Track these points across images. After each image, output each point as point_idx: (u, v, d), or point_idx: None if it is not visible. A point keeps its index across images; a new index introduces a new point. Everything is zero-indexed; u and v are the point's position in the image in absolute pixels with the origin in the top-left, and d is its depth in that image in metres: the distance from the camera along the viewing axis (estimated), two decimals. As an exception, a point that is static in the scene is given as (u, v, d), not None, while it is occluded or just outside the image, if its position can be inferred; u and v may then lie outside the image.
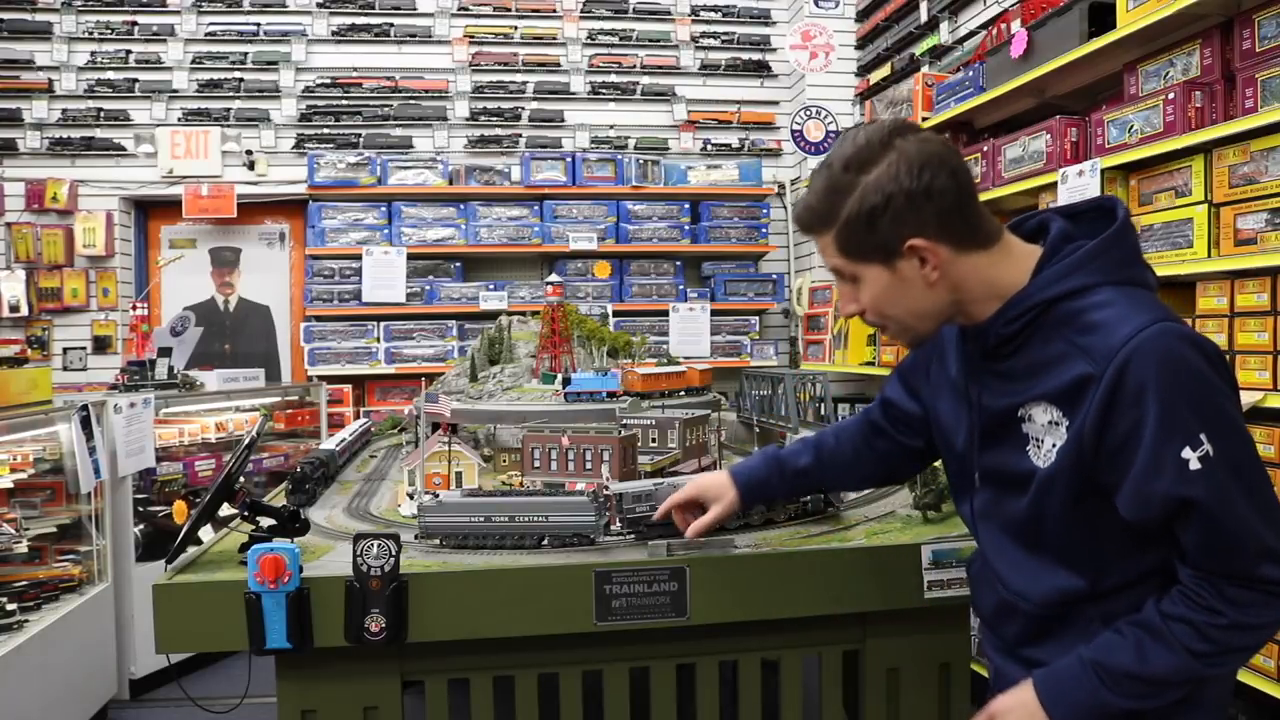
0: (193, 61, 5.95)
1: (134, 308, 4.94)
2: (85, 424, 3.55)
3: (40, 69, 5.83)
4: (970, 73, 3.99)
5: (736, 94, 6.42)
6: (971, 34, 4.58)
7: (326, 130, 6.02)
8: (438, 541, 1.94)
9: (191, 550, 1.93)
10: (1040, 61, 3.41)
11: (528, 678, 1.89)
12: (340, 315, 5.84)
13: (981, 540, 1.49)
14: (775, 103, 6.44)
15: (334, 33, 6.09)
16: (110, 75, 5.88)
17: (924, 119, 4.31)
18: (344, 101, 6.07)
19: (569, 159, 5.97)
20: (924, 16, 5.00)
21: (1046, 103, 3.74)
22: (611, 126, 6.28)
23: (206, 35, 5.98)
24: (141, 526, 4.07)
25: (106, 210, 5.84)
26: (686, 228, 6.06)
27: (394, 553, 1.71)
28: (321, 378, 5.72)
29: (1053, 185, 3.22)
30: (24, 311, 5.71)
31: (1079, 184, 3.07)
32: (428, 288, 5.87)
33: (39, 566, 3.61)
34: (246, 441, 2.17)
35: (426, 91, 6.13)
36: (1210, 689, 1.31)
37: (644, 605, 1.79)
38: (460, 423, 2.97)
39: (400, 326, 5.86)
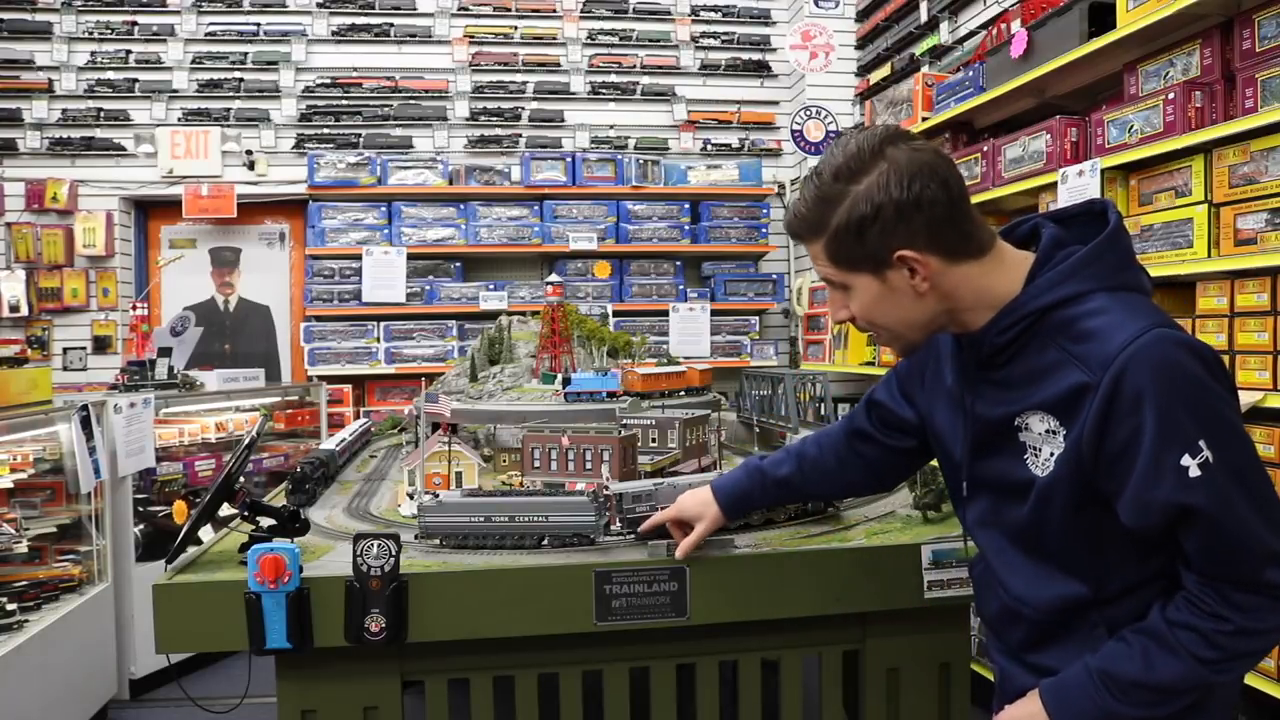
0: (193, 61, 5.96)
1: (134, 308, 4.94)
2: (85, 424, 3.55)
3: (40, 69, 5.83)
4: (970, 73, 3.99)
5: (736, 94, 6.42)
6: (971, 34, 4.59)
7: (326, 130, 6.02)
8: (438, 541, 1.94)
9: (191, 550, 1.93)
10: (1040, 61, 3.41)
11: (528, 678, 1.89)
12: (340, 315, 5.84)
13: (983, 546, 1.48)
14: (775, 103, 6.44)
15: (334, 33, 6.09)
16: (110, 75, 5.88)
17: (924, 119, 4.31)
18: (344, 101, 6.07)
19: (569, 159, 5.97)
20: (924, 16, 5.00)
21: (1046, 103, 3.74)
22: (611, 126, 6.28)
23: (206, 35, 5.98)
24: (141, 526, 4.07)
25: (106, 210, 5.84)
26: (686, 228, 6.06)
27: (394, 553, 1.71)
28: (321, 378, 5.72)
29: (1053, 185, 3.22)
30: (24, 311, 5.72)
31: (1079, 184, 3.07)
32: (428, 288, 5.87)
33: (39, 566, 3.61)
34: (246, 441, 2.17)
35: (426, 91, 6.13)
36: (1217, 693, 1.30)
37: (644, 605, 1.79)
38: (460, 423, 2.97)
39: (400, 326, 5.86)
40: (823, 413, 2.99)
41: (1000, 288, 1.31)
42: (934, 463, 1.67)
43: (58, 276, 5.79)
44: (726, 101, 6.40)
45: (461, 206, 5.94)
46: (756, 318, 6.22)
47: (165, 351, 4.62)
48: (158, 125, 5.91)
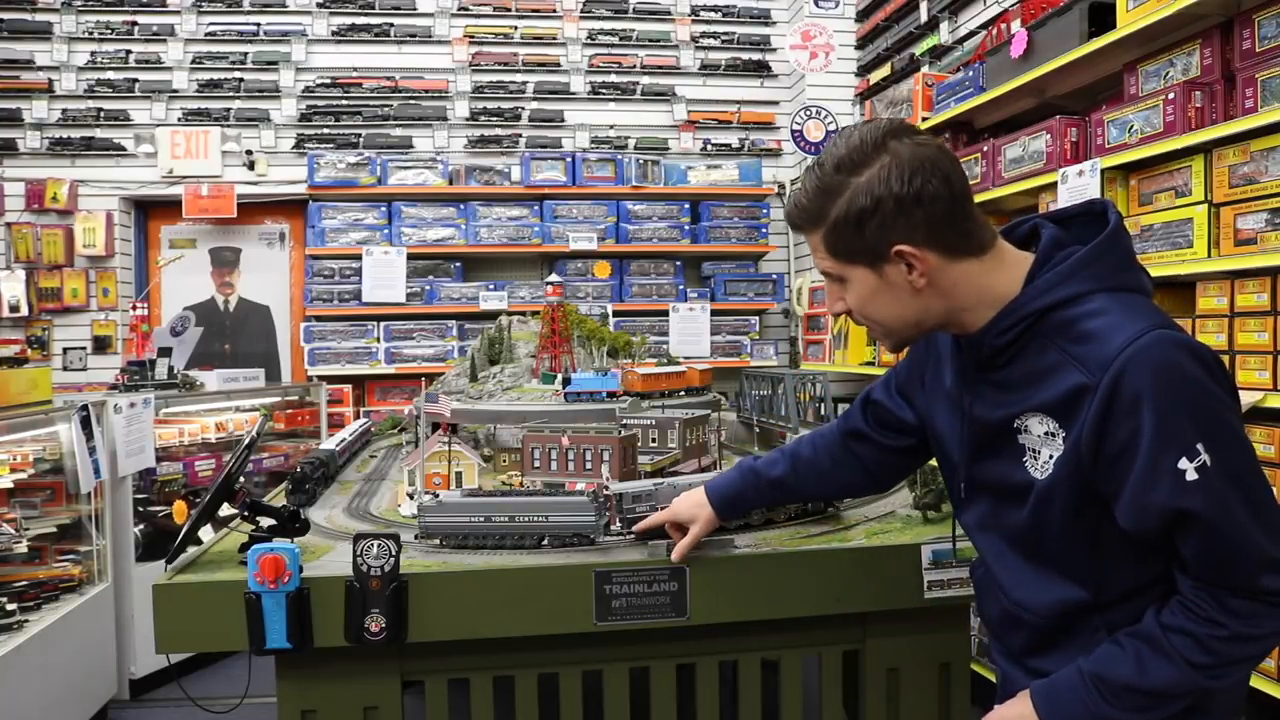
0: (193, 61, 5.96)
1: (134, 308, 4.94)
2: (85, 424, 3.55)
3: (40, 69, 5.83)
4: (970, 73, 3.99)
5: (736, 94, 6.42)
6: (971, 34, 4.59)
7: (326, 130, 6.02)
8: (438, 541, 1.94)
9: (191, 550, 1.93)
10: (1040, 61, 3.41)
11: (528, 678, 1.89)
12: (340, 315, 5.84)
13: (982, 550, 1.47)
14: (775, 103, 6.44)
15: (334, 33, 6.09)
16: (110, 75, 5.88)
17: (924, 119, 4.31)
18: (344, 101, 6.07)
19: (569, 159, 5.97)
20: (924, 16, 5.00)
21: (1046, 103, 3.74)
22: (611, 126, 6.28)
23: (206, 35, 5.98)
24: (141, 526, 4.07)
25: (106, 210, 5.84)
26: (686, 228, 6.06)
27: (394, 553, 1.71)
28: (321, 378, 5.72)
29: (1053, 185, 3.22)
30: (24, 311, 5.72)
31: (1079, 184, 3.07)
32: (428, 288, 5.87)
33: (39, 566, 3.61)
34: (246, 441, 2.17)
35: (426, 91, 6.13)
36: (1219, 697, 1.28)
37: (644, 605, 1.79)
38: (460, 423, 2.97)
39: (400, 326, 5.86)
40: (823, 413, 2.99)
41: (1000, 287, 1.30)
42: (933, 462, 1.66)
43: (58, 276, 5.79)
44: (726, 101, 6.40)
45: (461, 206, 5.94)
46: (756, 318, 6.22)
47: (165, 351, 4.62)
48: (158, 125, 5.91)
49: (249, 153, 5.96)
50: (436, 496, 2.05)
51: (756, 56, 6.44)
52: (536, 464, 2.38)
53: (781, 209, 6.38)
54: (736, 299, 6.17)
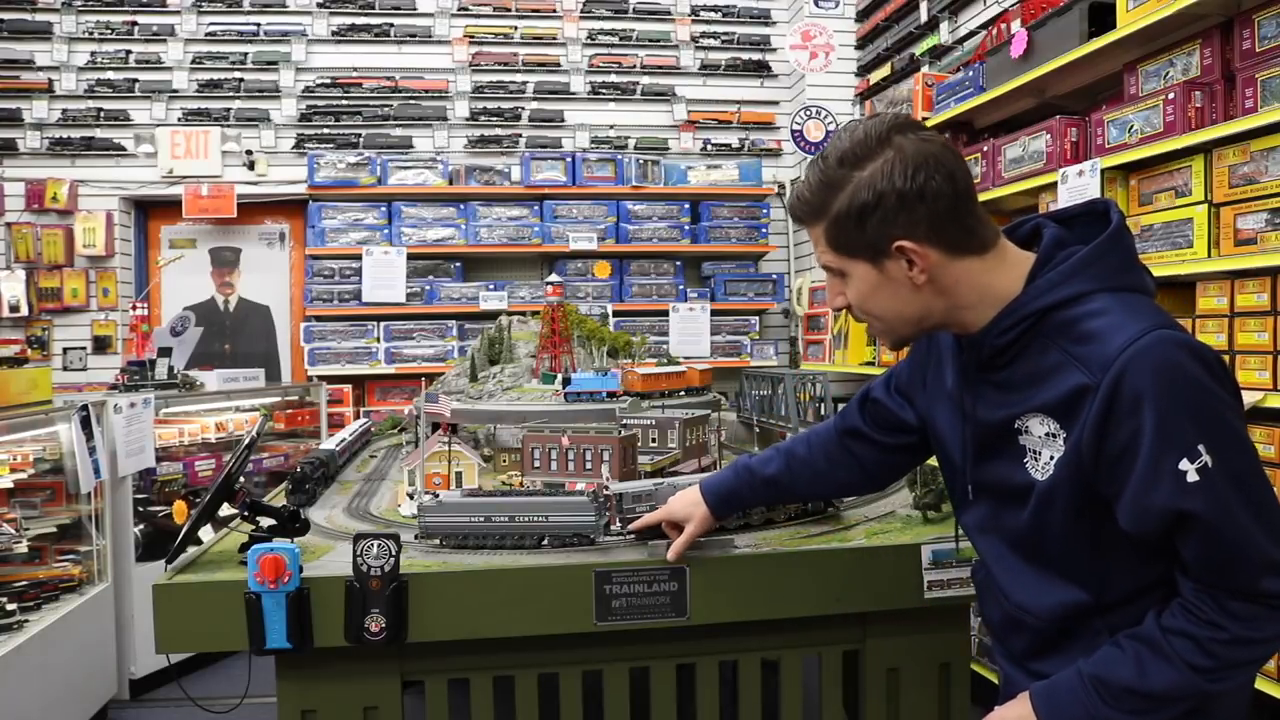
0: (193, 61, 5.96)
1: (134, 308, 4.94)
2: (85, 424, 3.55)
3: (40, 69, 5.83)
4: (970, 73, 3.99)
5: (736, 94, 6.42)
6: (971, 34, 4.59)
7: (326, 130, 6.02)
8: (438, 541, 1.94)
9: (191, 550, 1.93)
10: (1040, 61, 3.41)
11: (528, 678, 1.89)
12: (340, 315, 5.84)
13: (983, 552, 1.46)
14: (775, 103, 6.44)
15: (334, 33, 6.09)
16: (110, 75, 5.88)
17: (924, 119, 4.31)
18: (344, 101, 6.07)
19: (569, 159, 5.97)
20: (924, 16, 5.00)
21: (1046, 103, 3.74)
22: (611, 126, 6.28)
23: (206, 35, 5.98)
24: (141, 526, 4.07)
25: (106, 210, 5.84)
26: (686, 228, 6.06)
27: (394, 553, 1.71)
28: (321, 378, 5.72)
29: (1053, 185, 3.22)
30: (24, 311, 5.72)
31: (1079, 184, 3.07)
32: (428, 288, 5.87)
33: (39, 566, 3.61)
34: (246, 441, 2.17)
35: (426, 91, 6.13)
36: (1224, 700, 1.28)
37: (644, 605, 1.79)
38: (460, 423, 2.97)
39: (400, 326, 5.86)
40: (823, 413, 2.99)
41: (1001, 286, 1.29)
42: (933, 462, 1.66)
43: (58, 276, 5.79)
44: (726, 101, 6.40)
45: (461, 206, 5.94)
46: (756, 318, 6.22)
47: (165, 351, 4.62)
48: (158, 125, 5.91)
49: (249, 153, 5.96)
50: (436, 496, 2.05)
51: (756, 56, 6.44)
52: (536, 464, 2.39)
53: (782, 209, 6.38)
54: (736, 299, 6.17)
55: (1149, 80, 3.00)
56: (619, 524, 1.98)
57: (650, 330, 5.83)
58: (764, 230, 6.16)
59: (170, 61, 5.93)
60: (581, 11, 6.29)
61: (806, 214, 1.33)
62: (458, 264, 6.03)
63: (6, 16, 5.81)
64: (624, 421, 2.59)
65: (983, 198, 3.64)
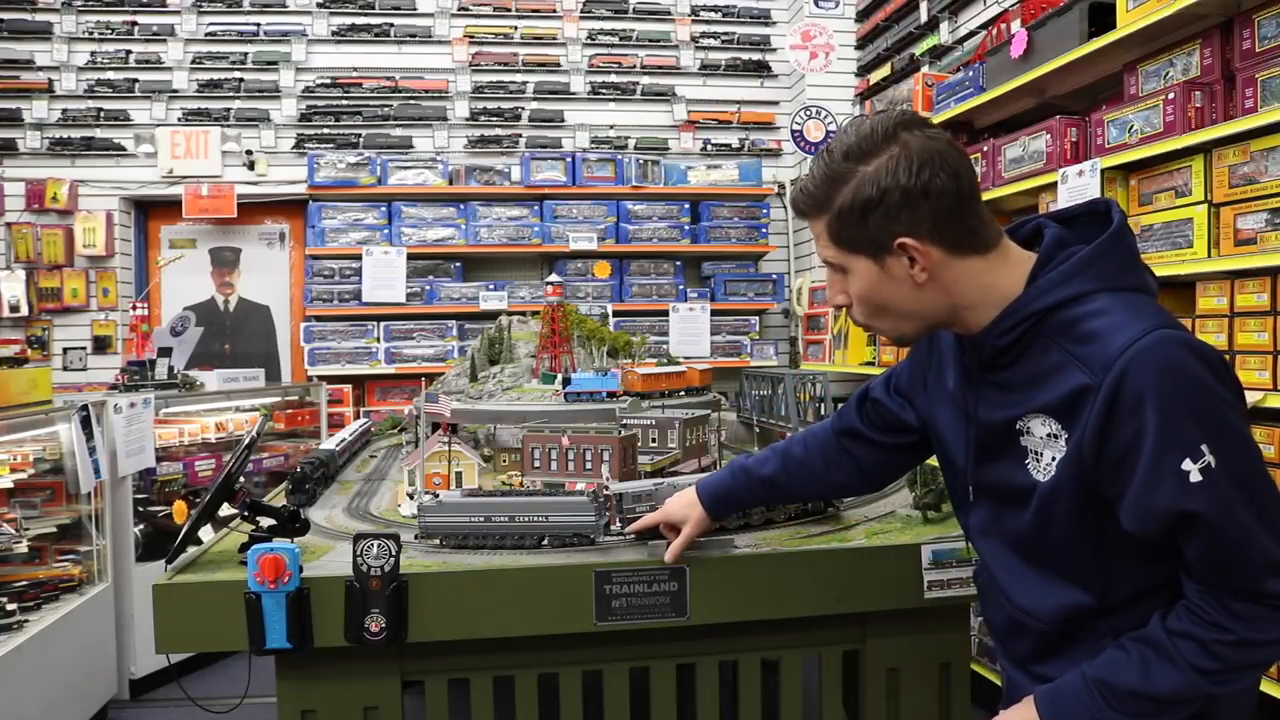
0: (193, 61, 5.96)
1: (134, 308, 4.93)
2: (85, 424, 3.55)
3: (40, 69, 5.83)
4: (970, 73, 3.99)
5: (736, 94, 6.42)
6: (971, 34, 4.59)
7: (326, 130, 6.02)
8: (438, 541, 1.94)
9: (191, 550, 1.93)
10: (1040, 61, 3.41)
11: (528, 678, 1.89)
12: (340, 315, 5.84)
13: (985, 555, 1.45)
14: (775, 103, 6.44)
15: (334, 33, 6.09)
16: (110, 75, 5.88)
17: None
18: (344, 101, 6.07)
19: (569, 159, 5.97)
20: (924, 16, 5.00)
21: (1046, 103, 3.74)
22: (611, 126, 6.28)
23: (206, 35, 5.98)
24: (141, 526, 4.07)
25: (106, 210, 5.84)
26: (686, 228, 6.06)
27: (394, 553, 1.71)
28: (321, 378, 5.72)
29: (1053, 185, 3.22)
30: (24, 311, 5.72)
31: (1079, 184, 3.07)
32: (428, 288, 5.87)
33: (39, 566, 3.60)
34: (246, 441, 2.17)
35: (426, 91, 6.13)
36: (1228, 703, 1.27)
37: (644, 605, 1.79)
38: (460, 423, 2.97)
39: (400, 326, 5.86)
40: (823, 413, 2.99)
41: (1003, 286, 1.29)
42: (933, 462, 1.66)
43: (58, 276, 5.79)
44: (726, 101, 6.40)
45: (461, 206, 5.94)
46: (756, 318, 6.22)
47: (165, 351, 4.62)
48: (158, 125, 5.91)
49: (249, 153, 5.96)
50: (436, 496, 2.05)
51: (756, 56, 6.44)
52: (536, 464, 2.39)
53: (782, 209, 6.38)
54: (736, 299, 6.17)
55: (1149, 80, 3.00)
56: (619, 524, 1.98)
57: (650, 330, 5.83)
58: (764, 230, 6.16)
59: (170, 61, 5.93)
60: (581, 11, 6.29)
61: (810, 207, 1.33)
62: (458, 264, 6.03)
63: (6, 16, 5.81)
64: (624, 421, 2.59)
65: (983, 198, 3.64)
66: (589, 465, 2.31)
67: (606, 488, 2.06)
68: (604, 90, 6.26)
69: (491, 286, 5.90)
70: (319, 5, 6.07)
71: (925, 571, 1.89)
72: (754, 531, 2.02)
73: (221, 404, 4.87)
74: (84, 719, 3.60)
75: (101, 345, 5.88)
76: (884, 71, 5.48)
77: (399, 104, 6.08)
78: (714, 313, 6.07)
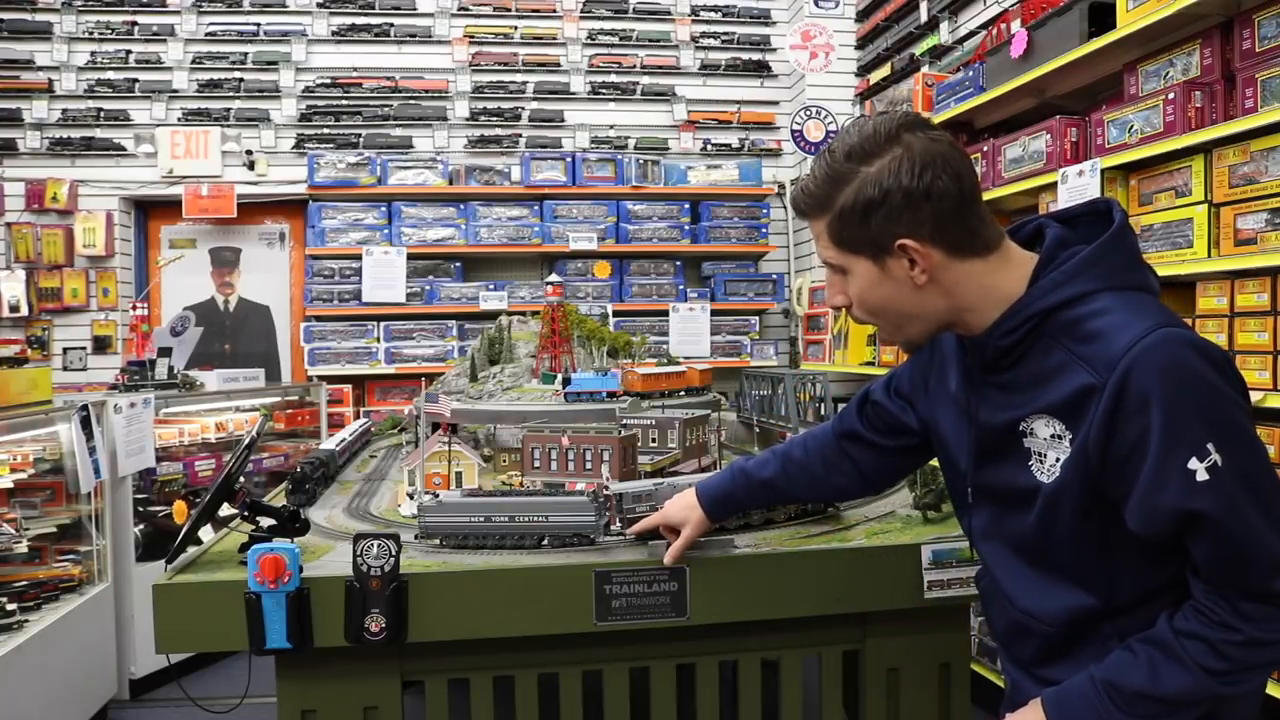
0: (193, 61, 5.96)
1: (134, 308, 4.94)
2: (85, 424, 3.55)
3: (40, 69, 5.83)
4: (970, 73, 3.99)
5: (736, 94, 6.42)
6: (971, 34, 4.59)
7: (326, 130, 6.02)
8: (438, 541, 1.94)
9: (191, 550, 1.93)
10: (1040, 61, 3.41)
11: (528, 678, 1.89)
12: (340, 315, 5.84)
13: (987, 558, 1.45)
14: (775, 103, 6.44)
15: (334, 33, 6.09)
16: (110, 75, 5.88)
17: (924, 119, 4.30)
18: (344, 101, 6.07)
19: (569, 159, 5.97)
20: (924, 16, 5.00)
21: (1046, 103, 3.74)
22: (611, 126, 6.28)
23: (206, 35, 5.98)
24: (141, 526, 4.07)
25: (106, 210, 5.84)
26: (686, 228, 6.06)
27: (394, 553, 1.71)
28: (321, 378, 5.72)
29: (1053, 185, 3.22)
30: (24, 311, 5.72)
31: (1079, 184, 3.07)
32: (428, 288, 5.87)
33: (39, 566, 3.61)
34: (246, 441, 2.17)
35: (426, 91, 6.13)
36: (1234, 705, 1.26)
37: (644, 605, 1.79)
38: (460, 423, 2.97)
39: (400, 326, 5.86)
40: (823, 413, 2.99)
41: (1005, 287, 1.28)
42: (934, 462, 1.65)
43: (58, 276, 5.79)
44: (726, 101, 6.40)
45: (461, 206, 5.94)
46: (756, 318, 6.22)
47: (165, 351, 4.62)
48: (158, 125, 5.91)
49: (249, 153, 5.96)
50: (436, 496, 2.05)
51: (756, 56, 6.44)
52: (536, 464, 2.39)
53: (782, 209, 6.38)
54: (736, 299, 6.17)
55: (1149, 80, 3.00)
56: (619, 524, 1.98)
57: (650, 330, 5.83)
58: (764, 230, 6.16)
59: (170, 61, 5.93)
60: (581, 11, 6.29)
61: (811, 207, 1.32)
62: (458, 264, 6.03)
63: (6, 16, 5.81)
64: (624, 421, 2.59)
65: (983, 198, 3.64)
66: (589, 465, 2.31)
67: (606, 488, 2.06)
68: (604, 90, 6.26)
69: (491, 286, 5.90)
70: (319, 5, 6.07)
71: (925, 571, 1.89)
72: (754, 532, 2.02)
73: (221, 404, 4.87)
74: (84, 719, 3.60)
75: (101, 345, 5.88)
76: (884, 71, 5.48)
77: (399, 104, 6.08)
78: (714, 313, 6.07)
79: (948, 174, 1.23)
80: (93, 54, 5.89)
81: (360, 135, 6.01)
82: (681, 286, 6.11)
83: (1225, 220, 2.59)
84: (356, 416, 5.56)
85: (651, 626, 1.80)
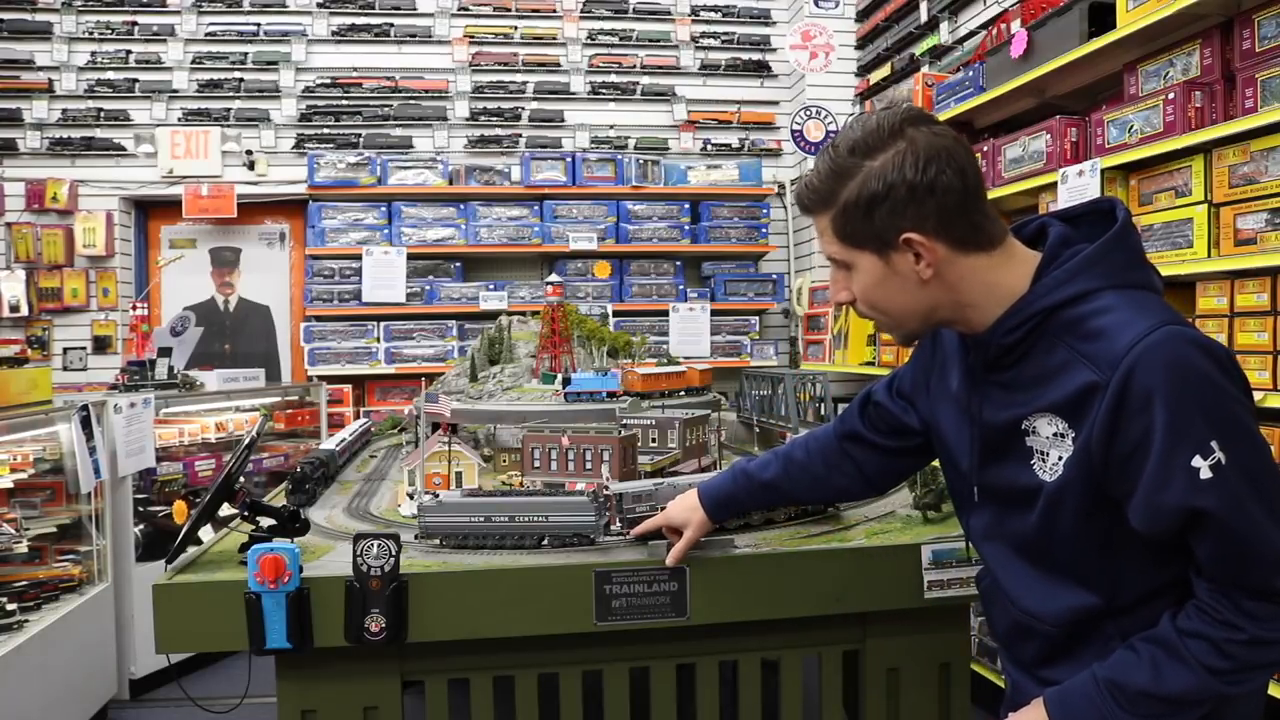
0: (193, 61, 5.96)
1: (134, 308, 4.93)
2: (85, 424, 3.55)
3: (40, 69, 5.83)
4: (970, 73, 3.99)
5: (736, 94, 6.42)
6: (971, 34, 4.59)
7: (326, 130, 6.02)
8: (438, 541, 1.94)
9: (191, 550, 1.93)
10: (1040, 61, 3.41)
11: (528, 678, 1.89)
12: (340, 315, 5.85)
13: (989, 559, 1.44)
14: (775, 103, 6.44)
15: (334, 33, 6.09)
16: (110, 75, 5.88)
17: (924, 119, 4.30)
18: (344, 101, 6.07)
19: (569, 159, 5.97)
20: (924, 16, 5.00)
21: (1046, 103, 3.74)
22: (611, 126, 6.28)
23: (206, 35, 5.98)
24: (141, 526, 4.07)
25: (106, 210, 5.84)
26: (686, 228, 6.06)
27: (394, 553, 1.71)
28: (321, 378, 5.72)
29: (1053, 185, 3.22)
30: (24, 311, 5.72)
31: (1079, 184, 3.07)
32: (428, 288, 5.87)
33: (39, 566, 3.61)
34: (246, 441, 2.17)
35: (426, 91, 6.13)
36: (1237, 705, 1.26)
37: (644, 605, 1.79)
38: (460, 423, 2.97)
39: (400, 326, 5.87)
40: (823, 413, 2.99)
41: (1008, 284, 1.28)
42: (934, 462, 1.65)
43: (58, 276, 5.79)
44: (726, 101, 6.40)
45: (461, 206, 5.94)
46: (756, 318, 6.22)
47: (165, 351, 4.62)
48: (158, 125, 5.91)
49: (249, 153, 5.96)
50: (436, 496, 2.04)
51: (756, 56, 6.44)
52: (536, 464, 2.38)
53: (782, 209, 6.38)
54: (736, 299, 6.17)
55: (1149, 80, 3.00)
56: (619, 524, 1.98)
57: (650, 330, 5.83)
58: (764, 230, 6.16)
59: (170, 61, 5.93)
60: (581, 11, 6.29)
61: (814, 202, 1.32)
62: (458, 264, 6.03)
63: (6, 16, 5.81)
64: (624, 421, 2.59)
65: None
66: (589, 465, 2.31)
67: (606, 488, 2.06)
68: (604, 90, 6.26)
69: (491, 286, 5.90)
70: (319, 5, 6.07)
71: (925, 571, 1.89)
72: (754, 532, 2.02)
73: (221, 404, 4.87)
74: (84, 719, 3.60)
75: (101, 345, 5.88)
76: (884, 71, 5.48)
77: (399, 104, 6.08)
78: (714, 313, 6.07)
79: (952, 168, 1.23)
80: (93, 54, 5.89)
81: (360, 135, 6.01)
82: (681, 286, 6.11)
83: (1225, 220, 2.59)
84: (356, 416, 5.56)
85: (651, 626, 1.80)
